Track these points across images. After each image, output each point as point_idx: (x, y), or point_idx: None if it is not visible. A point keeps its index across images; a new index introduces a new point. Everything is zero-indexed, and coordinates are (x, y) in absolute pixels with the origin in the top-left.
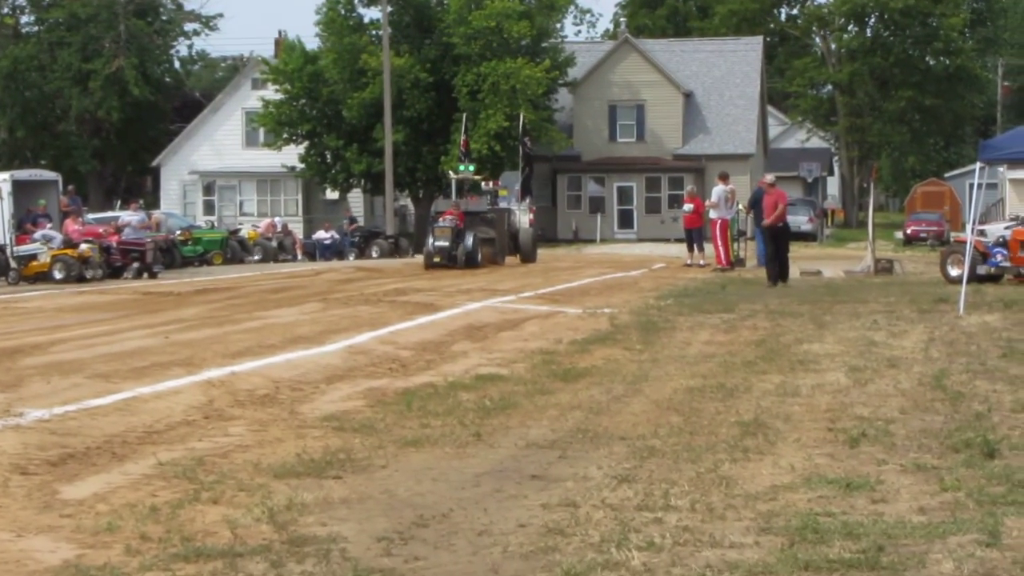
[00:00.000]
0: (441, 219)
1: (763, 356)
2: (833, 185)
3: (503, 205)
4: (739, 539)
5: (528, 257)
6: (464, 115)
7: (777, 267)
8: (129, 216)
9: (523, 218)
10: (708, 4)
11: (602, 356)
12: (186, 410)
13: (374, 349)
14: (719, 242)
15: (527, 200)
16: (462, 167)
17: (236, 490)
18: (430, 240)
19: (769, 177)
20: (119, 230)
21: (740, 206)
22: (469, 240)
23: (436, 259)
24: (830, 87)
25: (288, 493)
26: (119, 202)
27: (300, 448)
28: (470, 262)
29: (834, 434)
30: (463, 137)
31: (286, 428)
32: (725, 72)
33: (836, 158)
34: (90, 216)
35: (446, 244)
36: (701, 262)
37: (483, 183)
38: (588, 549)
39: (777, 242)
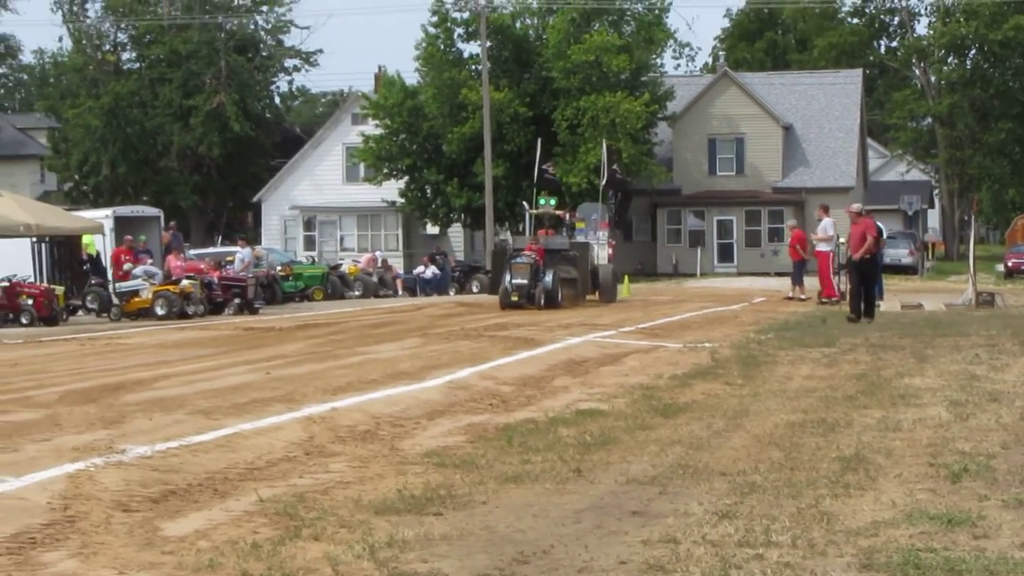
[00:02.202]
0: (520, 255)
1: (864, 390)
2: (934, 218)
3: (580, 239)
4: (840, 575)
5: (608, 296)
6: (539, 142)
7: (861, 302)
8: (242, 253)
9: (601, 252)
10: (807, 37)
11: (702, 391)
12: (287, 446)
13: (475, 384)
14: (829, 274)
15: (604, 232)
16: (542, 200)
17: (337, 527)
18: (507, 277)
19: (855, 206)
20: (220, 266)
21: (841, 239)
22: (548, 278)
23: (514, 298)
24: (930, 119)
25: (389, 530)
26: (220, 237)
27: (401, 484)
28: (550, 302)
29: (935, 469)
30: (539, 168)
31: (387, 464)
32: (824, 105)
33: (936, 190)
34: (191, 252)
35: (524, 282)
36: (801, 296)
37: (563, 216)
38: None
39: (863, 276)
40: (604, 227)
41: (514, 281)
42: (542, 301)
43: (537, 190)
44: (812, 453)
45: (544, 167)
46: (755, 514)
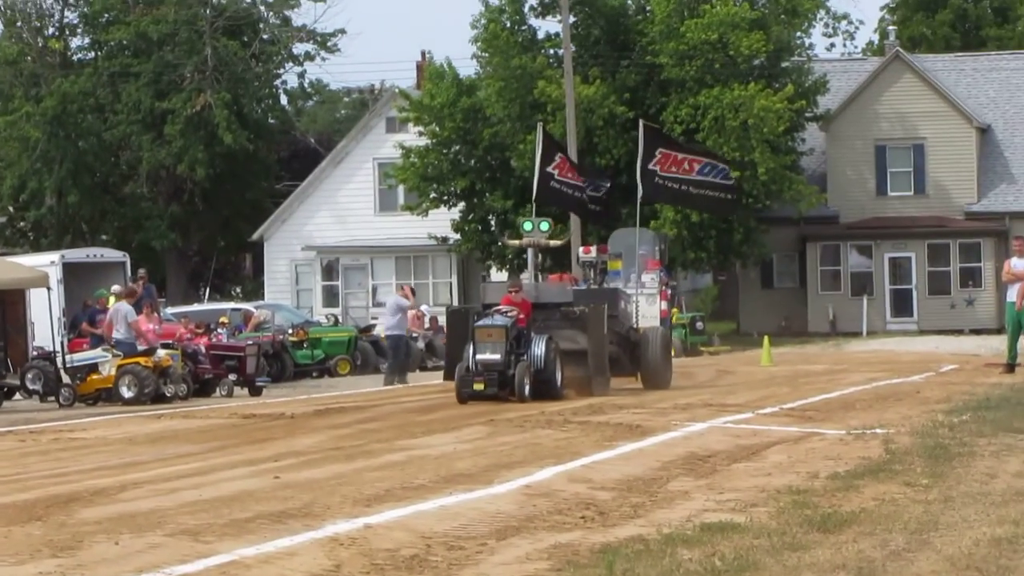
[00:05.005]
0: (487, 315)
1: None
2: None
3: (613, 285)
4: None
5: (655, 379)
6: (540, 126)
7: None
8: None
9: (649, 307)
10: (1008, 4)
11: (874, 495)
12: None
13: (561, 490)
14: None
15: (654, 275)
16: (528, 224)
17: None
18: (469, 351)
19: None
20: (209, 329)
21: None
22: (539, 349)
23: (478, 386)
24: None
25: None
26: (207, 290)
27: None
28: (544, 388)
29: None
30: (540, 170)
31: None
32: None
33: None
34: (169, 311)
35: (496, 357)
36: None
37: (584, 252)
38: None
39: None
40: (653, 266)
41: (479, 357)
42: (525, 389)
43: (537, 205)
44: None
45: (557, 168)
46: None
